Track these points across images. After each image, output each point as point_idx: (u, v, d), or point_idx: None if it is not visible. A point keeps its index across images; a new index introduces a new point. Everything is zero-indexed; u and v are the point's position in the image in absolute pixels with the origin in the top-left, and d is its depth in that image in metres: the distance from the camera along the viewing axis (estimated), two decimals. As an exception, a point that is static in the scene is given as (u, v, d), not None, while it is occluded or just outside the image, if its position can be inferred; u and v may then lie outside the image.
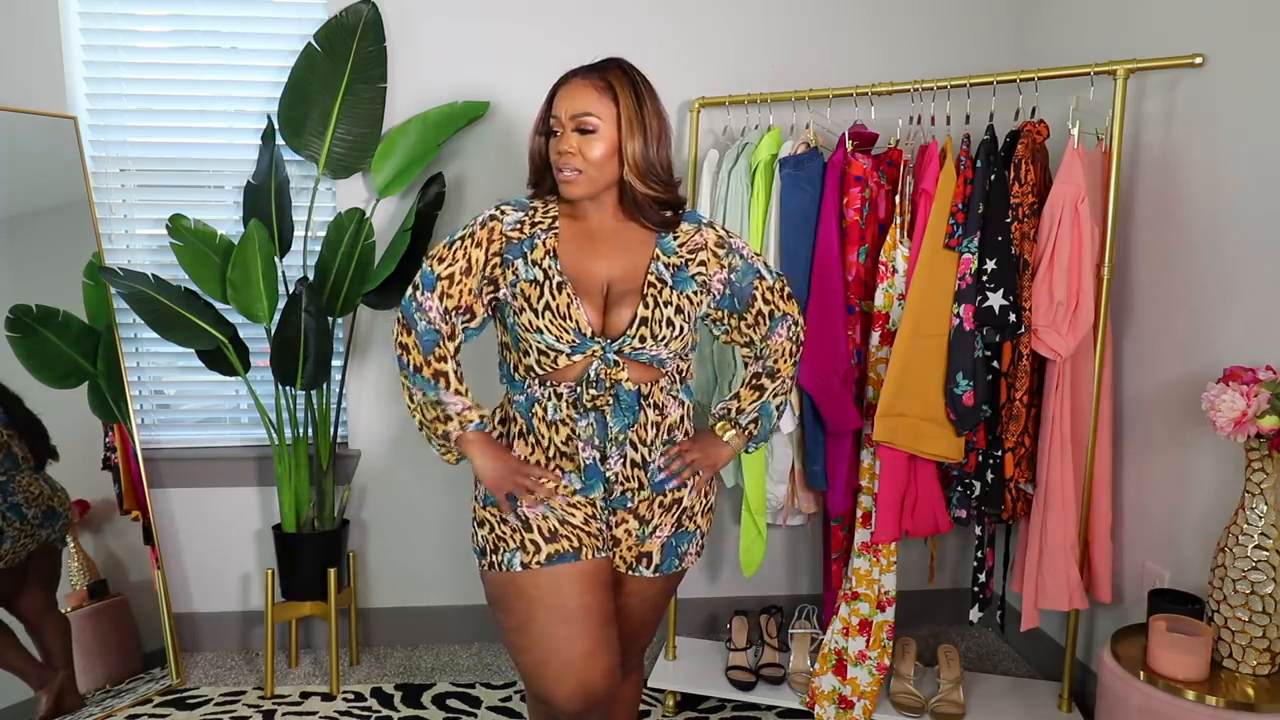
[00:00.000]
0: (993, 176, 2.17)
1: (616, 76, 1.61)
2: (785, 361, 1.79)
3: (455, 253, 1.66)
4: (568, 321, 1.59)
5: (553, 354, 1.61)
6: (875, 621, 2.35)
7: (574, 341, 1.60)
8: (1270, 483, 1.80)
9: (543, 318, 1.59)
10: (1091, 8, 2.48)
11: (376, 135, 2.62)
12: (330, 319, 2.55)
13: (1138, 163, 2.29)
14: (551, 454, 1.66)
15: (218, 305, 2.57)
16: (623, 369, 1.61)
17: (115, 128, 2.67)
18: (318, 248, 2.66)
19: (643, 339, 1.61)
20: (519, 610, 1.62)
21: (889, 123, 2.44)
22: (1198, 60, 2.07)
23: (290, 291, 2.46)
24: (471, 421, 1.66)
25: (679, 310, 1.63)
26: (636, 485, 1.67)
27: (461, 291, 1.65)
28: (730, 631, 2.66)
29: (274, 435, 2.58)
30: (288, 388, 2.55)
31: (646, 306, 1.62)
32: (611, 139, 1.59)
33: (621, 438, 1.64)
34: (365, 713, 2.52)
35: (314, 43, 2.55)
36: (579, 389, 1.62)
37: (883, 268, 2.28)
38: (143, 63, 2.66)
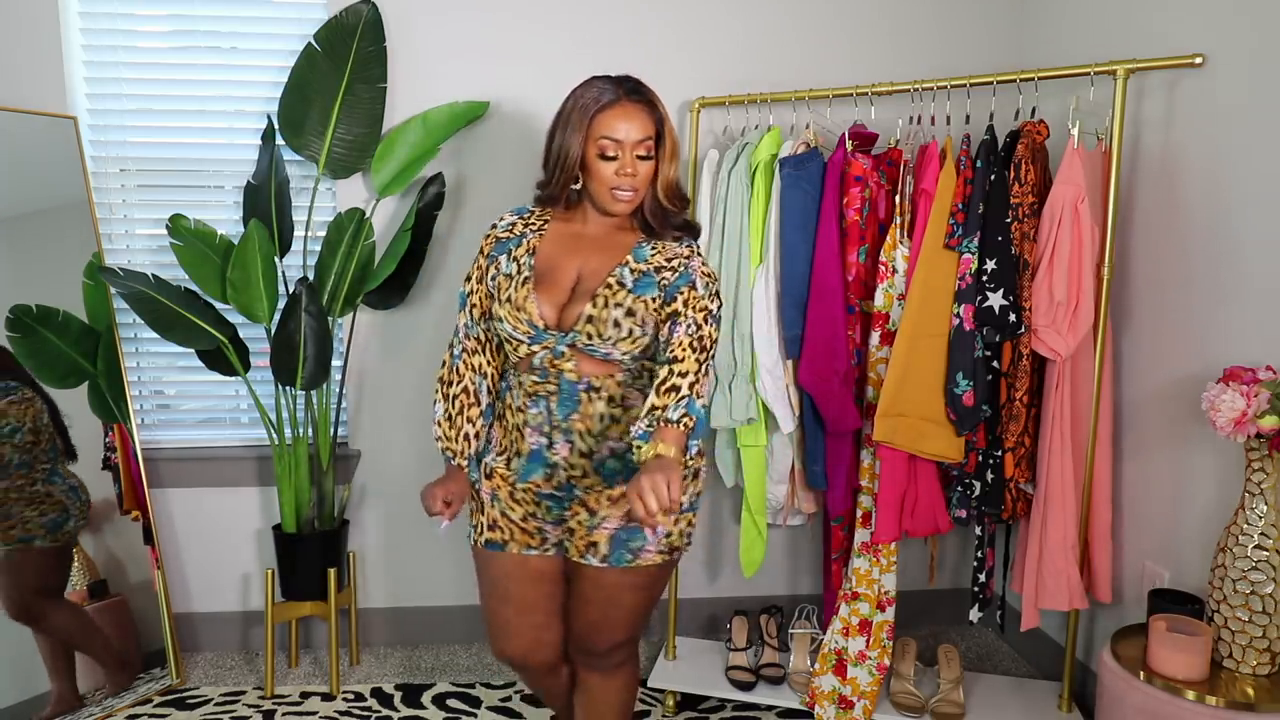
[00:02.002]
0: (993, 176, 2.17)
1: (656, 100, 1.76)
2: (685, 351, 1.69)
3: (473, 267, 1.87)
4: (521, 314, 1.73)
5: (514, 342, 1.76)
6: (875, 621, 2.35)
7: (529, 332, 1.73)
8: (1270, 483, 1.80)
9: (504, 308, 1.75)
10: (1091, 8, 2.48)
11: (376, 135, 2.62)
12: (330, 319, 2.55)
13: (1138, 163, 2.29)
14: (513, 438, 1.82)
15: (218, 305, 2.57)
16: (569, 360, 1.73)
17: (115, 128, 2.67)
18: (318, 248, 2.66)
19: (590, 336, 1.71)
20: (479, 577, 1.91)
21: (889, 123, 2.44)
22: (1198, 60, 2.07)
23: (290, 291, 2.46)
24: (447, 455, 1.88)
25: (630, 313, 1.71)
26: (580, 474, 1.78)
27: (481, 299, 1.85)
28: (730, 631, 2.66)
29: (274, 435, 2.58)
30: (288, 388, 2.55)
31: (594, 306, 1.71)
32: (655, 163, 1.75)
33: (565, 425, 1.75)
34: (365, 713, 2.52)
35: (314, 43, 2.55)
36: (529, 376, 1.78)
37: (883, 268, 2.28)
38: (143, 63, 2.66)
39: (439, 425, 1.87)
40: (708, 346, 1.73)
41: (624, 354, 1.73)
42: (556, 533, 1.84)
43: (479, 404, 1.87)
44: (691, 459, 1.80)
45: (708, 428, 1.80)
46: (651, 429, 1.63)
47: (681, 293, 1.74)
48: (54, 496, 2.44)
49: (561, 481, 1.78)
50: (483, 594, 1.90)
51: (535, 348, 1.74)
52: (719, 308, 1.79)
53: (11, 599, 2.35)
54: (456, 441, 1.86)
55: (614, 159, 1.71)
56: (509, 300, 1.75)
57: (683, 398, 1.66)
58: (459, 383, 1.86)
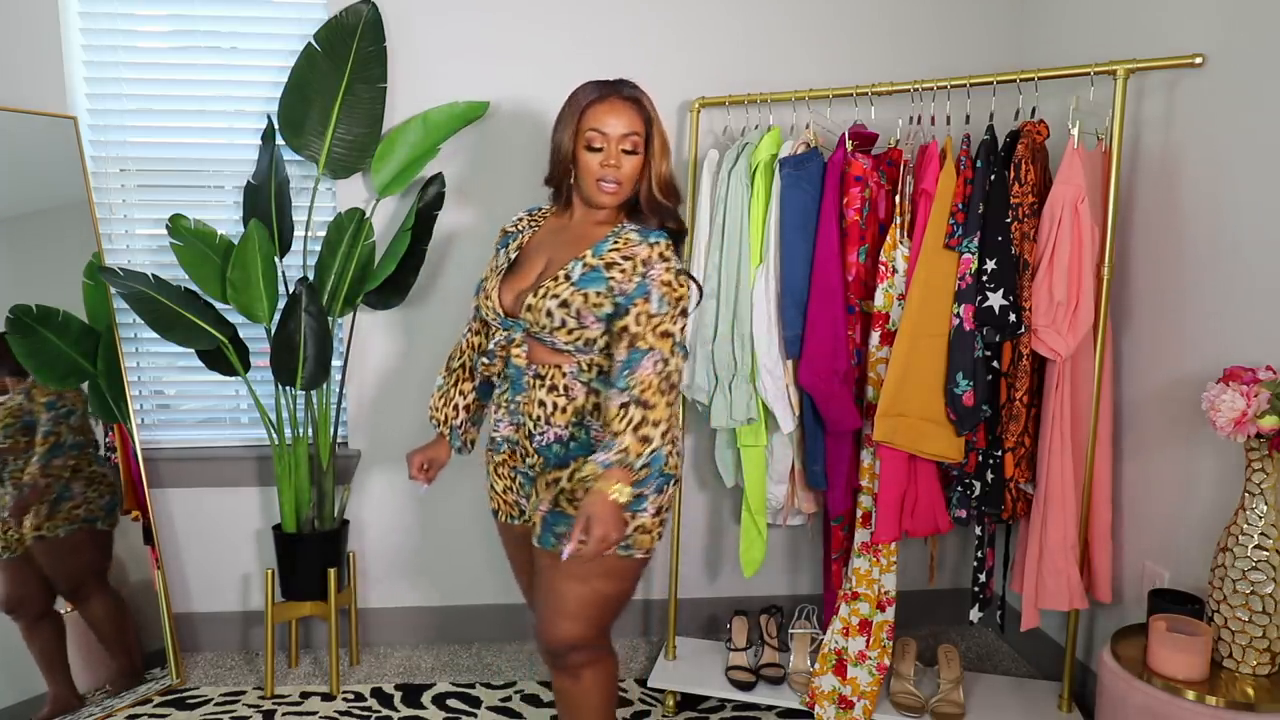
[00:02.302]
0: (993, 176, 2.17)
1: (646, 100, 1.83)
2: (658, 396, 1.69)
3: (490, 258, 1.99)
4: (489, 300, 1.87)
5: (490, 327, 1.92)
6: (875, 621, 2.35)
7: (495, 318, 1.86)
8: (1270, 483, 1.80)
9: (479, 295, 1.92)
10: (1091, 8, 2.48)
11: (376, 135, 2.62)
12: (330, 319, 2.55)
13: (1138, 163, 2.29)
14: (490, 413, 1.98)
15: (218, 305, 2.57)
16: (520, 346, 1.83)
17: (115, 128, 2.67)
18: (318, 248, 2.66)
19: (530, 323, 1.80)
20: None
21: (889, 123, 2.44)
22: (1198, 60, 2.07)
23: (290, 291, 2.46)
24: (433, 423, 2.07)
25: (564, 305, 1.75)
26: (527, 454, 1.87)
27: (488, 290, 1.93)
28: (730, 631, 2.66)
29: (274, 435, 2.58)
30: (287, 388, 2.55)
31: (535, 295, 1.79)
32: (643, 159, 1.81)
33: (513, 406, 1.86)
34: (365, 713, 2.52)
35: (314, 43, 2.55)
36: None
37: (883, 268, 2.28)
38: (143, 63, 2.66)
39: (432, 395, 2.08)
40: (676, 383, 1.73)
41: (565, 344, 1.78)
42: (529, 507, 1.93)
43: (472, 380, 2.05)
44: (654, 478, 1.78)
45: (661, 470, 1.77)
46: (616, 462, 1.65)
47: (636, 305, 1.72)
48: (107, 478, 2.54)
49: (522, 457, 1.89)
50: None
51: (502, 332, 1.85)
52: (684, 329, 1.76)
53: (70, 577, 2.44)
54: (441, 410, 2.05)
55: (599, 150, 1.79)
56: (484, 288, 1.90)
57: (654, 449, 1.68)
58: (459, 358, 2.06)
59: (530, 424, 1.83)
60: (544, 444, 1.83)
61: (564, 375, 1.80)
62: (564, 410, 1.81)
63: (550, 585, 1.83)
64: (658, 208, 1.84)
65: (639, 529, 1.78)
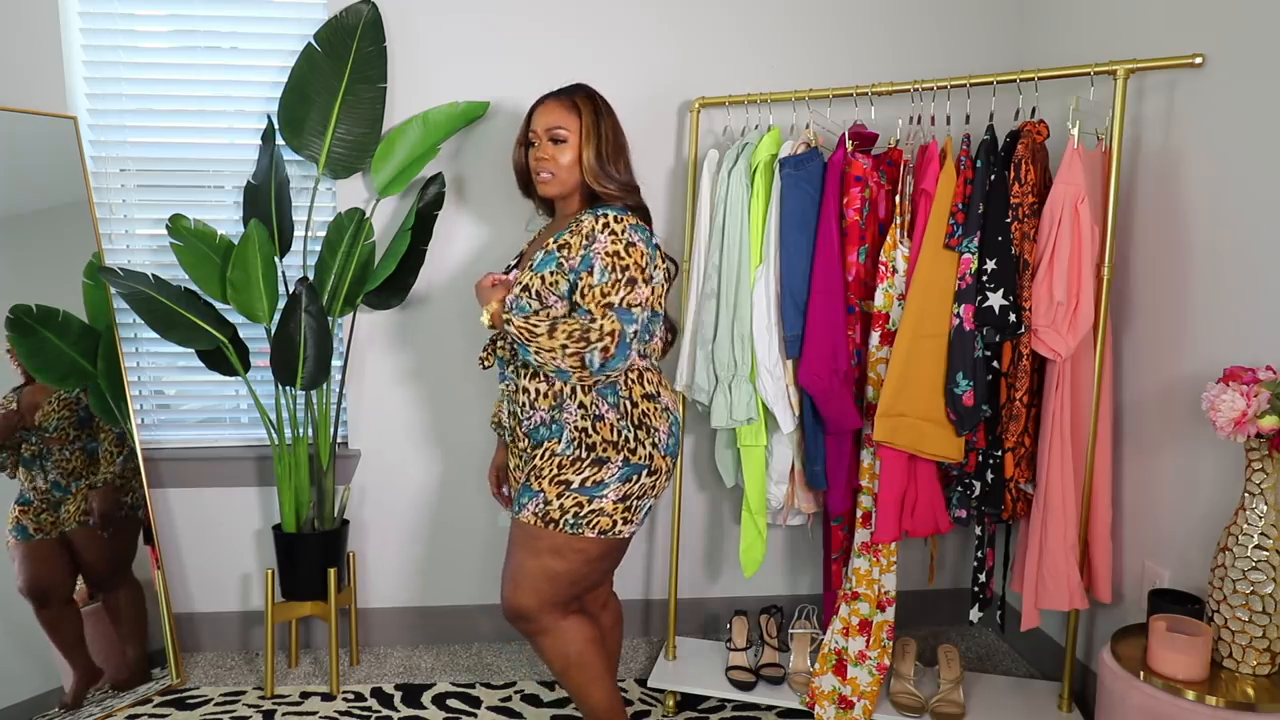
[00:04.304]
0: (993, 176, 2.17)
1: (581, 98, 1.98)
2: (563, 325, 1.83)
3: None
4: None
5: None
6: (875, 621, 2.35)
7: None
8: (1270, 483, 1.80)
9: None
10: (1091, 8, 2.48)
11: (376, 135, 2.62)
12: (330, 319, 2.55)
13: (1138, 163, 2.29)
14: None
15: (218, 305, 2.57)
16: (506, 337, 1.97)
17: (115, 128, 2.67)
18: (318, 248, 2.66)
19: (507, 312, 1.94)
20: None
21: (889, 123, 2.44)
22: (1198, 60, 2.07)
23: (290, 291, 2.46)
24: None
25: (526, 289, 1.90)
26: (516, 435, 2.03)
27: None
28: (730, 631, 2.66)
29: (274, 435, 2.58)
30: (288, 388, 2.55)
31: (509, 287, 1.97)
32: (576, 148, 1.95)
33: (505, 394, 2.03)
34: (365, 713, 2.52)
35: (314, 43, 2.55)
36: None
37: (883, 268, 2.28)
38: (143, 63, 2.66)
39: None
40: (593, 339, 1.81)
41: None
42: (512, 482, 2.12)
43: None
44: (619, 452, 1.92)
45: (627, 460, 1.93)
46: (512, 310, 1.90)
47: (581, 278, 1.86)
48: (140, 470, 2.61)
49: (516, 440, 2.04)
50: None
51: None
52: (629, 295, 1.84)
53: (107, 564, 2.51)
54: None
55: (534, 145, 1.98)
56: None
57: (522, 307, 1.88)
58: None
59: (519, 409, 1.99)
60: (531, 427, 1.98)
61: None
62: (545, 395, 1.94)
63: (510, 554, 1.97)
64: (606, 192, 1.96)
65: (593, 511, 1.89)
